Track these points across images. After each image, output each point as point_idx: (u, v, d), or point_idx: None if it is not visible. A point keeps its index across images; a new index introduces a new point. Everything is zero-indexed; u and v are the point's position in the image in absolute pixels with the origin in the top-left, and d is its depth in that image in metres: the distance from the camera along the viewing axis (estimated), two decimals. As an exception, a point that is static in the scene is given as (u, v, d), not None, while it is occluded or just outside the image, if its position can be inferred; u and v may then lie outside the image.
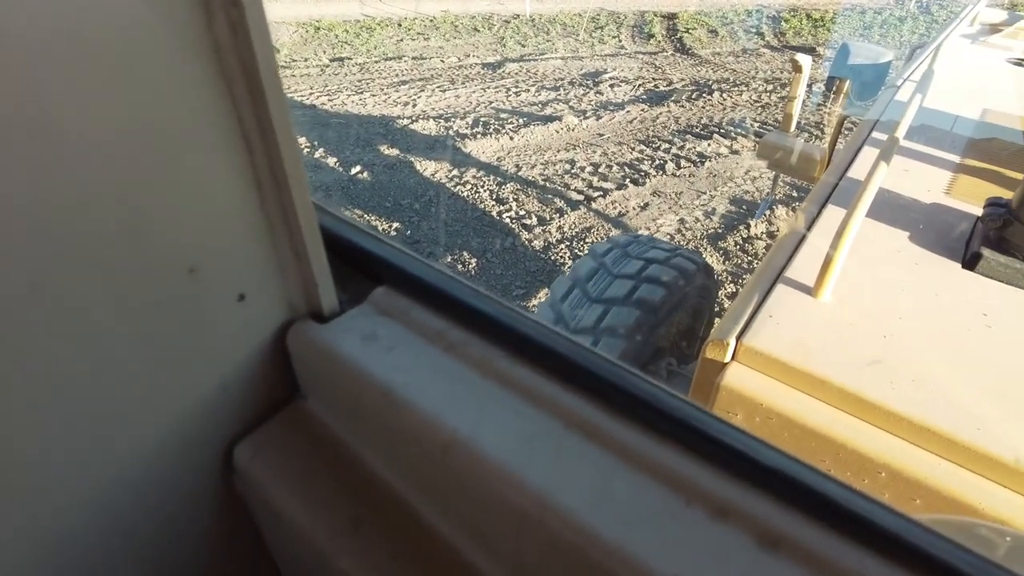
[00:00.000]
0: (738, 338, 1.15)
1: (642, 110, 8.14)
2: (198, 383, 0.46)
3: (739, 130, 7.53)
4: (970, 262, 1.36)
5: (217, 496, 0.52)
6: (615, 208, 5.96)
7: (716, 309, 3.44)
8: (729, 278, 4.90)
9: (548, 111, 8.09)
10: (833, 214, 1.51)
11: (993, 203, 1.37)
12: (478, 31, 11.78)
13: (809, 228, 1.48)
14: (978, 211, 1.47)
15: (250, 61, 0.40)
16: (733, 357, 1.16)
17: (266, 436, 0.50)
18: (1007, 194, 1.39)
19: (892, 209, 1.56)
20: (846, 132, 3.15)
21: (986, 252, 1.33)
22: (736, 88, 8.89)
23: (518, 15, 12.76)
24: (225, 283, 0.44)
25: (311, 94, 8.30)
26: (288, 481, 0.48)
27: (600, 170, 6.63)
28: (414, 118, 7.65)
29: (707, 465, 0.37)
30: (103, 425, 0.43)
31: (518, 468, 0.38)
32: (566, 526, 0.36)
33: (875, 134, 1.99)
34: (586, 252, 3.09)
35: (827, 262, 1.21)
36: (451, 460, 0.40)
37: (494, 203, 5.99)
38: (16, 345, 0.37)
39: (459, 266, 4.89)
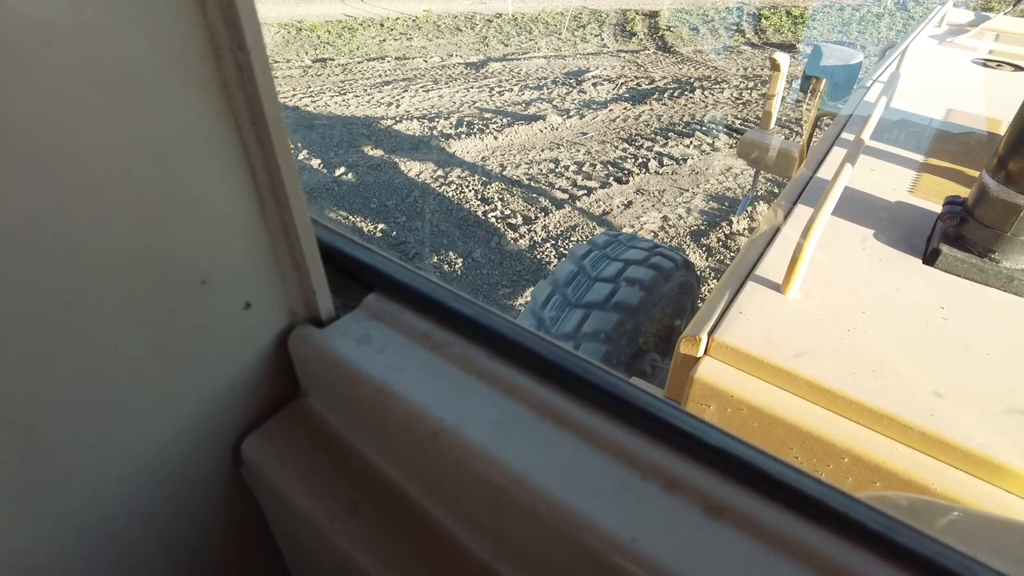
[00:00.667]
0: (710, 334, 1.21)
1: (625, 108, 8.20)
2: (209, 383, 0.51)
3: (720, 128, 7.61)
4: (930, 258, 1.43)
5: (227, 486, 0.57)
6: (599, 206, 6.01)
7: (699, 305, 3.50)
8: (712, 274, 4.97)
9: (532, 110, 8.13)
10: (802, 213, 1.58)
11: (951, 201, 1.44)
12: (460, 31, 11.82)
13: (779, 226, 1.54)
14: (938, 209, 1.54)
15: (254, 96, 0.45)
16: (706, 352, 1.22)
17: (271, 431, 0.55)
18: (965, 192, 1.47)
19: (858, 207, 1.63)
20: (824, 128, 3.23)
21: (944, 248, 1.40)
22: (718, 86, 8.97)
23: (500, 14, 12.80)
24: (233, 292, 0.50)
25: (294, 95, 8.31)
26: (292, 471, 0.53)
27: (584, 169, 6.68)
28: (398, 119, 7.68)
29: (659, 445, 0.43)
30: (124, 423, 0.48)
31: (497, 452, 0.44)
32: (539, 500, 0.41)
33: (844, 134, 2.07)
34: (566, 255, 3.14)
35: (794, 260, 1.28)
36: (439, 447, 0.45)
37: (479, 203, 6.03)
38: (48, 350, 0.42)
39: (445, 266, 4.93)
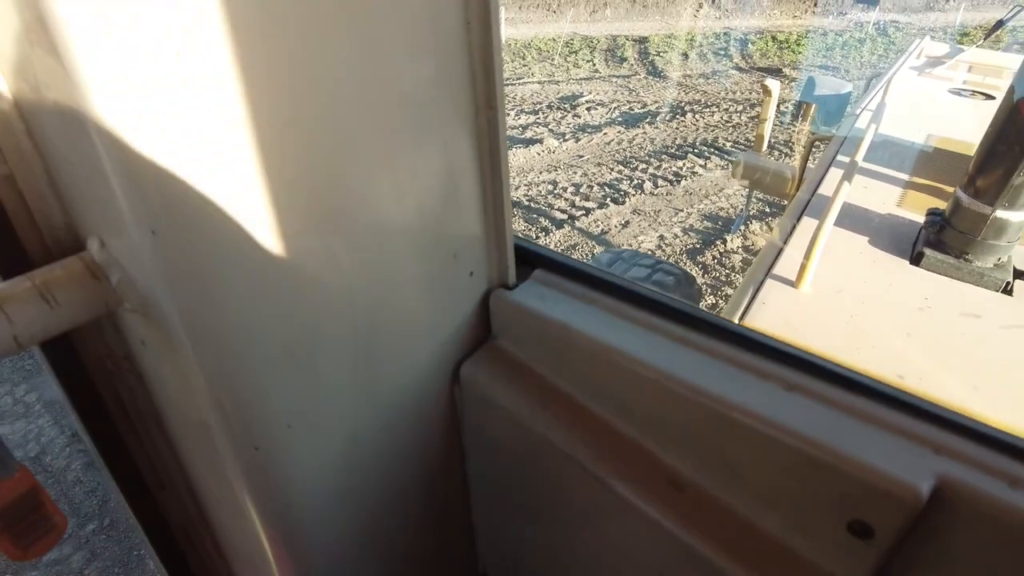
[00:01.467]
0: (740, 320, 1.49)
1: (619, 132, 8.46)
2: (445, 325, 0.78)
3: (712, 150, 7.89)
4: (916, 259, 1.73)
5: (444, 399, 0.83)
6: (598, 226, 6.24)
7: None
8: (708, 290, 5.22)
9: (528, 134, 8.37)
10: (808, 224, 1.86)
11: (932, 213, 1.74)
12: (457, 57, 12.12)
13: (789, 236, 1.83)
14: (922, 219, 1.84)
15: (495, 141, 0.72)
16: None
17: (478, 359, 0.82)
18: (943, 205, 1.77)
19: (855, 219, 1.92)
20: (815, 153, 3.51)
21: (928, 251, 1.70)
22: (708, 109, 9.28)
23: (495, 41, 13.12)
24: (466, 264, 0.76)
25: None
26: (498, 385, 0.80)
27: (581, 190, 6.91)
28: (403, 143, 7.91)
29: (749, 351, 0.70)
30: (403, 349, 0.74)
31: (650, 359, 0.70)
32: (680, 384, 0.68)
33: (840, 157, 2.37)
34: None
35: (805, 262, 1.56)
36: (610, 360, 0.72)
37: (485, 222, 6.25)
38: (379, 296, 0.67)
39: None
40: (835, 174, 2.20)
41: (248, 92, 0.48)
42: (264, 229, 0.53)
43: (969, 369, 1.36)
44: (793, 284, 1.60)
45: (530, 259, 0.85)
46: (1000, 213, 1.56)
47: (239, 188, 0.50)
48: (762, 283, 1.62)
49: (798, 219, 1.93)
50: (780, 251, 1.77)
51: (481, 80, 0.68)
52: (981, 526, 0.57)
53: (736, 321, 1.49)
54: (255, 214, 0.52)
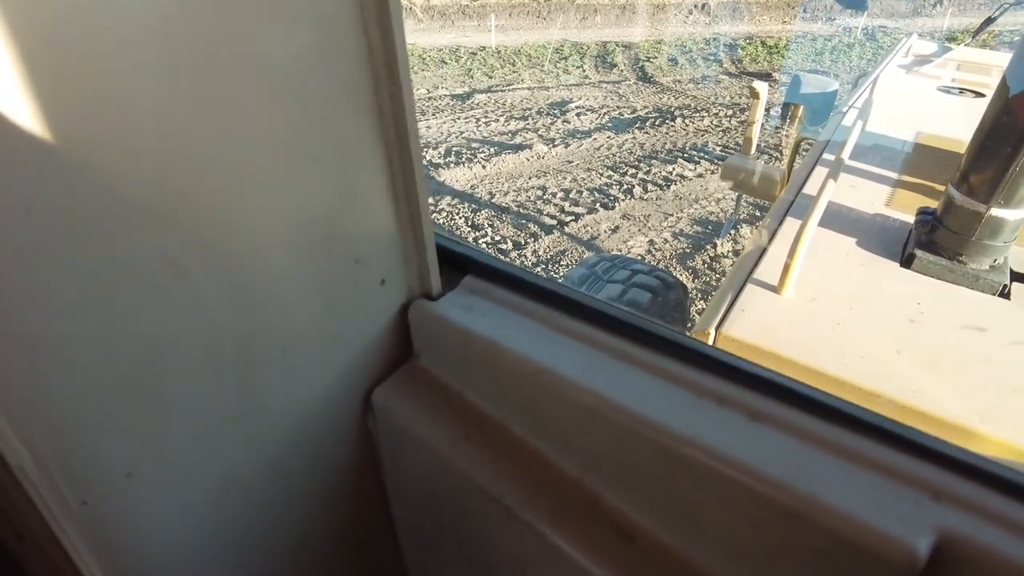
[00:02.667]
0: (717, 328, 1.38)
1: (608, 137, 8.41)
2: (350, 344, 0.66)
3: (702, 154, 7.83)
4: (906, 261, 1.61)
5: (353, 432, 0.71)
6: (587, 231, 6.16)
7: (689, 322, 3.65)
8: (699, 295, 5.13)
9: (518, 140, 8.31)
10: (791, 225, 1.75)
11: (923, 212, 1.63)
12: (445, 63, 12.06)
13: (771, 238, 1.72)
14: (912, 219, 1.72)
15: (400, 119, 0.60)
16: (713, 344, 1.37)
17: (395, 383, 0.70)
18: (934, 204, 1.65)
19: (842, 220, 1.81)
20: (803, 153, 3.42)
21: (919, 253, 1.58)
22: (698, 114, 9.23)
23: (484, 47, 13.07)
24: (375, 271, 0.64)
25: (286, 128, 8.44)
26: (415, 413, 0.67)
27: (571, 195, 6.84)
28: (389, 149, 7.82)
29: (709, 373, 0.58)
30: (292, 373, 0.62)
31: (588, 382, 0.58)
32: (623, 415, 0.56)
33: (825, 155, 2.27)
34: (561, 279, 3.29)
35: (787, 264, 1.45)
36: (542, 382, 0.60)
37: (469, 229, 6.17)
38: (230, 320, 0.55)
39: (441, 290, 5.05)
40: (820, 173, 2.10)
41: (44, 56, 0.36)
42: (77, 231, 0.41)
43: (969, 380, 1.24)
44: (775, 289, 1.48)
45: (459, 263, 0.73)
46: (995, 211, 1.45)
47: (42, 185, 0.38)
48: (741, 289, 1.50)
49: (781, 220, 1.82)
50: (761, 254, 1.65)
51: (379, 50, 0.56)
52: (992, 594, 0.45)
53: (713, 329, 1.38)
54: (60, 212, 0.40)
